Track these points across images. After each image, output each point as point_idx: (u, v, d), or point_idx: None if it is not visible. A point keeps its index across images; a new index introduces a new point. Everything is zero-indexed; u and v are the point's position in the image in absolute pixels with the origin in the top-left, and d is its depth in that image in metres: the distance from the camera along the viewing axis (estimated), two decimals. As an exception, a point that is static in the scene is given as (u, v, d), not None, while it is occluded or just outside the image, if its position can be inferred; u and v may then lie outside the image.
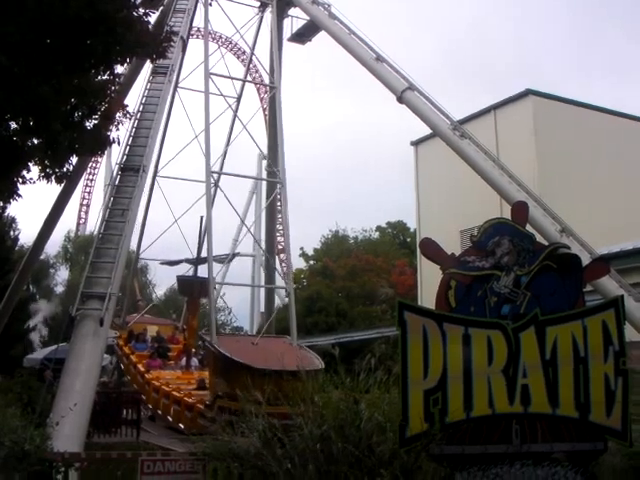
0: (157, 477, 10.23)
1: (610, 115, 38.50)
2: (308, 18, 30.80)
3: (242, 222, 37.29)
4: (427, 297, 32.20)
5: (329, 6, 28.42)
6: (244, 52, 52.82)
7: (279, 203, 37.09)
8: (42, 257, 46.55)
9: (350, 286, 55.25)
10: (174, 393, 23.72)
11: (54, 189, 22.27)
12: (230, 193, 29.55)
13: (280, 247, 58.17)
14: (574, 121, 36.12)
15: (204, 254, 30.11)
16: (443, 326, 8.84)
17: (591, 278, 11.20)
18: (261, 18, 32.14)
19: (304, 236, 65.68)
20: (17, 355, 34.01)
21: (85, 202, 72.03)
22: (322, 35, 30.50)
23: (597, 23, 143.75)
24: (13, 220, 43.74)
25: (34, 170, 16.54)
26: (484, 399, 8.76)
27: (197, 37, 38.15)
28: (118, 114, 17.68)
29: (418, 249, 22.00)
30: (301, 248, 66.67)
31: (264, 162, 37.30)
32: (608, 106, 39.73)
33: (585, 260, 12.04)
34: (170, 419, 23.28)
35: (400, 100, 24.82)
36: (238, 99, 32.61)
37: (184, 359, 27.85)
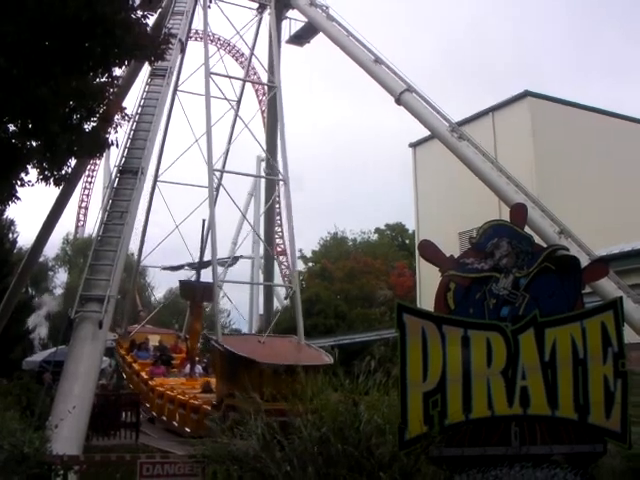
0: (156, 480, 10.23)
1: (608, 116, 38.56)
2: (306, 20, 30.83)
3: (245, 220, 37.05)
4: (426, 299, 32.24)
5: (327, 8, 28.47)
6: (242, 54, 52.85)
7: (278, 206, 37.18)
8: (41, 260, 46.51)
9: (349, 288, 55.22)
10: (179, 397, 23.45)
11: (53, 191, 22.23)
12: (230, 194, 29.64)
13: (280, 249, 58.22)
14: (572, 122, 36.16)
15: (206, 258, 30.21)
16: (442, 328, 8.84)
17: (590, 280, 11.23)
18: (260, 19, 32.17)
19: (302, 238, 65.86)
20: (16, 358, 33.96)
21: (84, 204, 71.98)
22: (320, 37, 30.53)
23: (595, 24, 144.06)
24: (12, 222, 43.67)
25: (33, 172, 16.56)
26: (483, 401, 8.75)
27: (195, 39, 38.19)
28: (116, 116, 17.70)
29: (417, 251, 22.16)
30: (300, 250, 66.63)
31: (262, 164, 37.24)
32: (606, 107, 39.85)
33: (584, 261, 12.05)
34: (176, 424, 22.90)
35: (398, 102, 24.84)
36: (239, 100, 32.67)
37: (188, 366, 27.63)
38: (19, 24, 13.41)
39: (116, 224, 19.45)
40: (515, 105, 37.21)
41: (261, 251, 44.05)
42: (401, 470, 8.52)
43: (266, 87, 37.41)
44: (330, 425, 8.95)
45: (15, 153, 15.66)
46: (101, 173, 67.71)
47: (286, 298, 57.55)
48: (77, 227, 71.25)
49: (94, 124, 16.90)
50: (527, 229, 9.92)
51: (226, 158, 31.61)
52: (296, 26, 32.63)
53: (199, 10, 29.66)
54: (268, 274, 37.72)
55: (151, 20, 19.61)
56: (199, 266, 30.21)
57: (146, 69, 24.15)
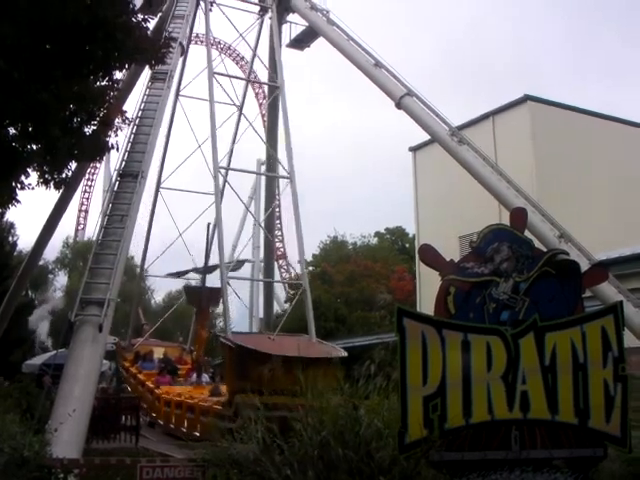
0: (156, 483, 10.23)
1: (608, 120, 38.61)
2: (307, 24, 30.88)
3: (251, 214, 36.58)
4: (426, 303, 32.26)
5: (327, 12, 28.55)
6: (243, 58, 52.91)
7: (277, 210, 37.19)
8: (41, 263, 46.51)
9: (349, 292, 55.19)
10: (187, 400, 23.25)
11: (53, 195, 22.24)
12: (230, 200, 29.74)
13: (280, 253, 58.19)
14: (572, 126, 36.20)
15: (210, 263, 30.18)
16: (442, 332, 8.84)
17: (590, 284, 11.22)
18: (261, 22, 32.24)
19: (305, 239, 65.52)
20: (16, 361, 33.94)
21: (84, 208, 72.08)
22: (321, 41, 30.58)
23: (592, 26, 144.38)
24: (12, 226, 43.70)
25: (33, 176, 16.56)
26: (483, 405, 8.75)
27: (196, 43, 38.24)
28: (117, 120, 17.69)
29: (417, 255, 22.20)
30: (298, 261, 66.41)
31: (263, 167, 37.24)
32: (603, 110, 40.05)
33: (584, 266, 12.06)
34: (184, 429, 22.45)
35: (398, 106, 24.88)
36: (242, 101, 32.77)
37: (194, 375, 27.36)
38: (18, 26, 13.41)
39: (116, 228, 19.46)
40: (515, 109, 37.26)
41: (261, 255, 43.91)
42: (401, 474, 8.52)
43: (266, 91, 37.44)
44: (330, 429, 8.95)
45: (15, 156, 15.65)
46: (101, 177, 67.88)
47: (286, 302, 57.61)
48: (77, 230, 71.32)
49: (94, 128, 16.90)
50: (527, 233, 9.94)
51: (230, 157, 31.70)
52: (296, 30, 32.75)
53: (200, 14, 29.82)
54: (268, 277, 37.71)
55: (152, 24, 19.53)
56: (204, 271, 30.07)
57: (147, 73, 24.19)
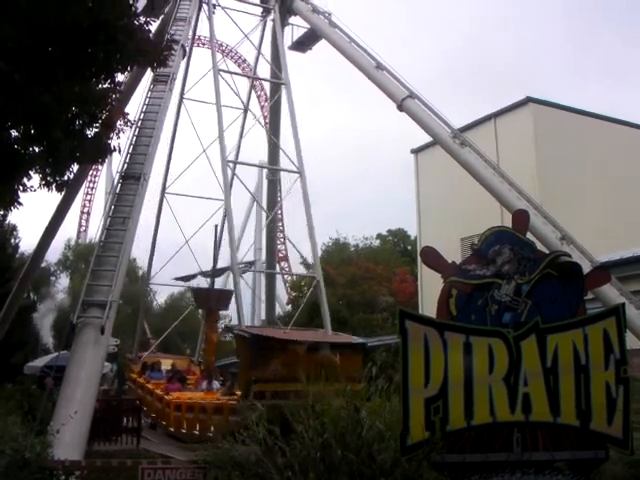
0: (158, 485, 10.23)
1: (610, 123, 38.59)
2: (309, 27, 30.91)
3: (262, 208, 36.09)
4: (428, 305, 32.22)
5: (329, 14, 28.56)
6: (245, 60, 53.01)
7: (280, 212, 37.22)
8: (43, 265, 46.55)
9: (351, 294, 55.09)
10: (199, 401, 22.85)
11: (55, 197, 22.28)
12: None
13: (281, 255, 58.18)
14: (574, 129, 36.19)
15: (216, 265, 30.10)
16: (444, 334, 8.84)
17: (592, 286, 11.20)
18: (264, 23, 32.33)
19: (304, 244, 65.46)
20: (18, 363, 33.97)
21: (86, 210, 72.25)
22: (322, 43, 30.58)
23: (593, 26, 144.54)
24: (14, 228, 43.80)
25: (35, 178, 16.56)
26: (485, 407, 8.75)
27: (198, 45, 38.30)
28: (119, 122, 17.71)
29: (419, 257, 21.99)
30: (301, 256, 66.58)
31: (264, 171, 37.30)
32: (604, 110, 39.94)
33: (586, 268, 12.03)
34: (197, 432, 21.59)
35: (400, 108, 24.87)
36: (247, 97, 32.91)
37: (205, 382, 26.69)
38: (19, 28, 13.42)
39: (118, 230, 19.45)
40: (517, 111, 37.25)
41: (263, 256, 43.92)
42: (403, 476, 8.53)
43: (268, 93, 37.48)
44: (332, 431, 8.95)
45: (17, 159, 15.67)
46: (103, 179, 68.02)
47: (288, 304, 57.59)
48: (79, 232, 71.45)
49: (96, 130, 16.92)
50: (529, 235, 9.94)
51: (238, 152, 31.85)
52: (298, 32, 32.79)
53: (202, 16, 29.93)
54: (270, 278, 37.78)
55: (154, 26, 19.56)
56: (213, 274, 29.80)
57: (149, 75, 24.21)
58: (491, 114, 38.50)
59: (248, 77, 34.78)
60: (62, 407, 15.29)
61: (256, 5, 32.41)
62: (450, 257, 9.49)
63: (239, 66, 55.68)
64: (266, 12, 32.00)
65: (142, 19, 16.50)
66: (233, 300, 26.62)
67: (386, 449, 8.77)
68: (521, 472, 8.67)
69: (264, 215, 39.21)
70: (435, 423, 8.54)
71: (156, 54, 17.13)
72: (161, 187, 32.51)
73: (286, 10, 30.91)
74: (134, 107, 23.85)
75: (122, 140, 18.52)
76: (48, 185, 16.68)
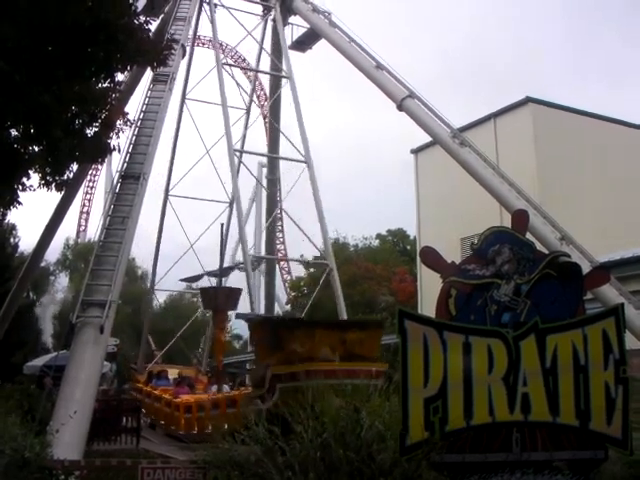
0: (157, 485, 10.24)
1: (610, 123, 38.59)
2: (308, 26, 30.95)
3: (276, 199, 35.63)
4: (427, 305, 32.21)
5: (329, 14, 28.62)
6: (244, 60, 53.01)
7: (279, 212, 37.23)
8: (42, 264, 46.53)
9: (350, 294, 55.01)
10: (211, 397, 22.27)
11: (54, 196, 22.28)
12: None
13: (281, 254, 58.10)
14: (574, 129, 36.18)
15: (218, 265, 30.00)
16: (443, 334, 8.83)
17: (591, 286, 11.20)
18: (265, 22, 32.40)
19: (304, 244, 65.36)
20: (17, 362, 33.96)
21: (85, 209, 72.26)
22: (322, 43, 30.63)
23: (593, 26, 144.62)
24: (13, 227, 43.79)
25: (34, 177, 16.59)
26: (484, 407, 8.74)
27: (198, 45, 38.34)
28: (118, 122, 17.73)
29: (418, 257, 22.01)
30: (301, 255, 66.46)
31: (264, 170, 37.38)
32: (603, 110, 40.00)
33: (585, 268, 12.03)
34: (210, 429, 20.12)
35: (400, 108, 24.90)
36: (251, 90, 32.99)
37: (214, 387, 25.95)
38: (19, 27, 13.43)
39: (118, 229, 19.46)
40: (517, 111, 37.24)
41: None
42: (402, 476, 8.52)
43: (268, 93, 37.51)
44: (331, 431, 8.95)
45: (17, 158, 15.69)
46: (103, 178, 68.08)
47: (287, 304, 57.60)
48: (79, 232, 71.41)
49: (96, 129, 16.93)
50: (529, 235, 9.94)
51: (244, 142, 31.91)
52: (298, 32, 32.84)
53: (203, 15, 30.07)
54: (269, 279, 37.80)
55: (153, 26, 19.61)
56: (220, 273, 29.55)
57: (148, 75, 24.23)
58: (491, 114, 38.50)
59: (251, 70, 34.78)
60: (61, 407, 15.31)
61: (257, 3, 32.49)
62: (450, 257, 9.49)
63: (239, 64, 55.67)
64: (267, 10, 32.08)
65: (142, 18, 16.55)
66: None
67: (385, 449, 8.76)
68: (520, 472, 8.66)
69: (264, 215, 39.17)
70: (434, 423, 8.53)
71: (156, 53, 17.15)
72: (164, 189, 32.63)
73: (286, 9, 31.01)
74: (134, 107, 23.92)
75: (122, 139, 18.59)
76: (48, 184, 16.71)
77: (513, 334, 8.93)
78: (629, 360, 9.28)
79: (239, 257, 46.74)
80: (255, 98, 51.89)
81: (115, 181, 21.92)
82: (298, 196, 30.25)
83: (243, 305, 28.27)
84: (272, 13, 31.57)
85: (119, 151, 18.86)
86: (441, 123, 24.39)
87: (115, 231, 19.48)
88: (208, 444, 10.89)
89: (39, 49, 14.27)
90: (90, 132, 16.87)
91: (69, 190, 26.16)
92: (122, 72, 17.34)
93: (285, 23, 31.89)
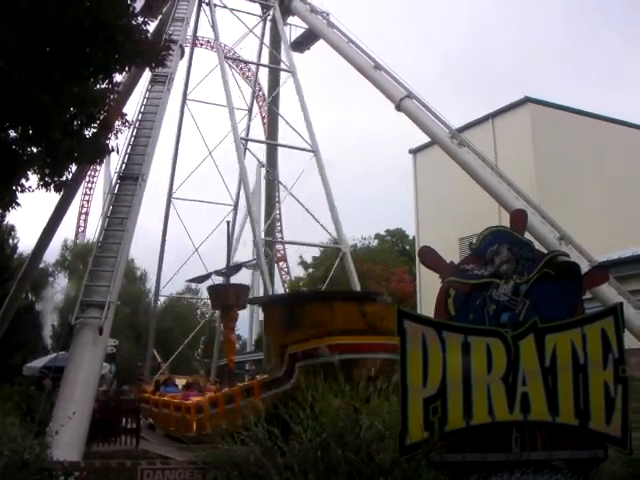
0: (157, 486, 10.24)
1: (608, 122, 38.64)
2: (307, 27, 30.97)
3: (286, 187, 35.49)
4: (426, 305, 32.25)
5: (327, 15, 28.66)
6: (242, 60, 53.06)
7: (278, 213, 37.26)
8: (41, 265, 46.53)
9: (350, 294, 54.94)
10: (225, 390, 21.39)
11: (53, 197, 22.30)
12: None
13: (280, 255, 58.10)
14: (572, 128, 36.24)
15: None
16: (442, 334, 8.82)
17: (590, 286, 11.21)
18: (265, 20, 32.45)
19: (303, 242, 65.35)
20: (16, 363, 33.94)
21: (84, 210, 72.17)
22: (321, 43, 30.66)
23: (593, 27, 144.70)
24: (12, 228, 43.81)
25: (33, 178, 16.61)
26: (484, 407, 8.74)
27: (196, 45, 38.33)
28: (117, 123, 17.75)
29: (417, 257, 22.01)
30: (300, 256, 66.53)
31: (263, 171, 37.38)
32: (603, 111, 40.08)
33: (584, 267, 12.02)
34: (225, 425, 19.63)
35: (398, 108, 24.93)
36: (254, 80, 33.08)
37: (225, 390, 24.32)
38: (18, 28, 13.44)
39: (116, 230, 19.45)
40: (515, 111, 37.29)
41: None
42: (402, 476, 8.52)
43: (266, 94, 37.55)
44: (331, 431, 8.95)
45: (16, 159, 15.69)
46: (101, 179, 68.01)
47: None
48: (77, 233, 71.35)
49: (95, 130, 16.94)
50: (527, 235, 9.93)
51: (249, 130, 32.00)
52: (297, 33, 32.88)
53: (202, 15, 30.17)
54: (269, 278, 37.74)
55: (152, 26, 19.62)
56: (227, 271, 29.22)
57: (147, 75, 24.25)
58: (489, 114, 38.56)
59: (254, 64, 34.81)
60: (61, 408, 15.30)
61: (256, 2, 32.55)
62: (449, 257, 9.49)
63: (237, 66, 55.69)
64: (266, 9, 32.10)
65: (140, 19, 16.52)
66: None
67: (385, 449, 8.76)
68: (520, 471, 8.66)
69: (262, 216, 39.11)
70: (434, 423, 8.52)
71: (154, 54, 17.15)
72: (167, 192, 32.67)
73: (284, 10, 31.00)
74: (132, 107, 23.94)
75: (120, 140, 18.61)
76: (46, 185, 16.72)
77: (512, 334, 8.92)
78: (628, 359, 9.29)
79: (238, 258, 46.87)
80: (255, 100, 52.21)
81: (114, 182, 21.91)
82: (300, 190, 30.26)
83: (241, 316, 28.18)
84: (271, 12, 31.58)
85: (118, 152, 18.90)
86: (439, 123, 24.42)
87: (114, 232, 19.47)
88: (207, 445, 10.90)
89: (38, 49, 14.27)
90: (89, 133, 16.89)
91: (68, 191, 26.19)
92: (120, 73, 17.34)
93: (283, 24, 31.90)
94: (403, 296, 53.50)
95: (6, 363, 34.02)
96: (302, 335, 15.09)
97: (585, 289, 9.99)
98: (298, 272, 66.36)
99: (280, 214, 41.86)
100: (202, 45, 42.51)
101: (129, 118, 19.15)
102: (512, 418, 8.78)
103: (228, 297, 26.59)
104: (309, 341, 14.60)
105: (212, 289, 28.73)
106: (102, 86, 16.63)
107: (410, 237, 64.78)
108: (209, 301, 46.69)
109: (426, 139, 30.73)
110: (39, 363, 29.10)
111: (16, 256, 44.28)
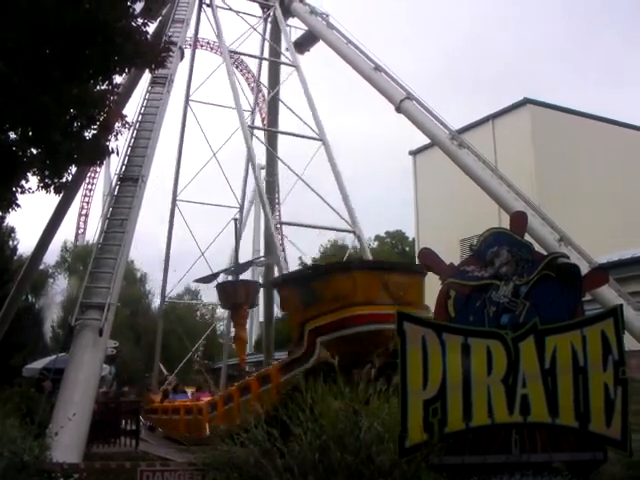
0: (156, 487, 10.24)
1: (608, 124, 38.68)
2: (306, 28, 30.97)
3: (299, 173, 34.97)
4: (426, 306, 32.16)
5: (327, 16, 28.66)
6: (242, 61, 53.13)
7: (278, 214, 37.25)
8: (41, 267, 46.53)
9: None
10: (238, 382, 20.33)
11: (53, 199, 22.31)
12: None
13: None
14: (572, 129, 36.29)
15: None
16: (442, 336, 8.82)
17: (590, 287, 11.21)
18: (266, 20, 32.46)
19: (303, 245, 65.48)
20: (16, 365, 33.94)
21: (84, 212, 72.11)
22: (320, 45, 30.67)
23: (593, 27, 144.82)
24: (12, 230, 43.83)
25: (33, 180, 16.62)
26: (483, 409, 8.73)
27: (196, 47, 38.35)
28: (117, 124, 17.76)
29: (417, 259, 22.09)
30: (299, 258, 66.46)
31: (263, 172, 37.39)
32: (603, 111, 40.13)
33: (584, 269, 12.01)
34: (239, 419, 16.71)
35: (398, 110, 24.94)
36: (257, 71, 33.20)
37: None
38: (18, 29, 13.45)
39: (116, 232, 19.44)
40: (515, 112, 37.34)
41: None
42: (401, 477, 8.51)
43: (266, 94, 37.55)
44: (330, 433, 8.94)
45: (15, 160, 15.70)
46: (101, 181, 68.01)
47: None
48: (77, 235, 71.30)
49: (95, 132, 16.96)
50: (527, 237, 9.93)
51: (253, 117, 31.98)
52: (296, 34, 32.88)
53: (203, 17, 30.22)
54: (268, 277, 37.78)
55: (151, 28, 19.65)
56: (236, 269, 28.83)
57: (146, 77, 24.27)
58: (489, 115, 38.61)
59: (257, 58, 34.79)
60: (61, 409, 15.30)
61: (256, 1, 32.59)
62: (449, 259, 9.48)
63: (237, 67, 55.74)
64: (267, 8, 32.12)
65: (140, 21, 16.53)
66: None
67: (385, 451, 8.75)
68: (520, 473, 8.65)
69: (262, 216, 39.17)
70: (433, 425, 8.51)
71: (154, 56, 17.17)
72: (172, 195, 32.65)
73: (284, 11, 31.00)
74: (132, 109, 23.94)
75: (120, 142, 18.61)
76: (46, 187, 16.73)
77: (512, 335, 8.91)
78: (628, 361, 9.27)
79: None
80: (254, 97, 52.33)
81: (114, 184, 21.92)
82: (294, 194, 30.26)
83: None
84: (271, 12, 31.60)
85: (117, 154, 18.89)
86: (439, 125, 24.42)
87: (114, 234, 19.46)
88: (207, 446, 10.90)
89: (38, 51, 14.28)
90: (88, 135, 16.90)
91: (68, 193, 26.20)
92: (120, 74, 17.36)
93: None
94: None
95: (6, 364, 34.02)
96: (323, 309, 14.54)
97: (585, 291, 9.98)
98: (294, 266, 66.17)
99: (280, 216, 41.76)
100: (202, 47, 42.44)
101: (129, 120, 19.18)
102: (512, 420, 8.77)
103: (237, 294, 26.08)
104: (331, 313, 14.13)
105: (221, 287, 28.09)
106: (102, 87, 16.65)
107: (410, 239, 64.86)
108: (209, 302, 46.74)
109: (426, 140, 30.70)
110: (39, 364, 29.12)
111: (16, 257, 44.29)
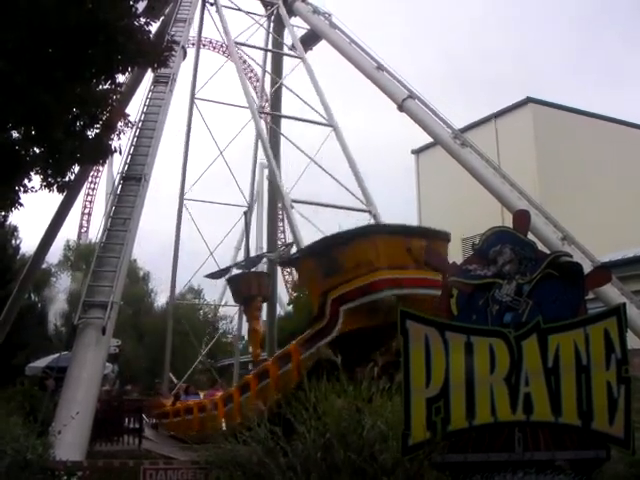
0: (159, 485, 10.26)
1: (610, 122, 38.66)
2: (309, 27, 30.96)
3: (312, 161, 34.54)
4: (429, 305, 32.14)
5: (330, 15, 28.65)
6: (245, 61, 53.08)
7: (280, 214, 37.27)
8: (44, 266, 46.57)
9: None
10: (254, 372, 19.53)
11: (56, 198, 22.32)
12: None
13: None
14: (574, 129, 36.27)
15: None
16: (445, 334, 8.82)
17: (593, 286, 11.19)
18: (269, 18, 32.48)
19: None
20: (19, 364, 33.97)
21: (87, 211, 72.17)
22: (323, 44, 30.63)
23: (594, 27, 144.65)
24: (15, 229, 43.91)
25: (36, 179, 16.63)
26: (486, 407, 8.73)
27: (199, 44, 38.35)
28: (119, 123, 17.78)
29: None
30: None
31: (265, 171, 37.37)
32: (605, 110, 40.13)
33: (587, 268, 12.01)
34: (262, 407, 17.12)
35: (401, 109, 24.91)
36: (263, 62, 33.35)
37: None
38: (20, 29, 13.46)
39: (119, 231, 19.46)
40: (517, 111, 37.33)
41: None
42: (404, 476, 8.52)
43: (268, 92, 37.54)
44: (333, 431, 8.95)
45: (18, 159, 15.71)
46: (104, 180, 68.02)
47: (289, 304, 57.49)
48: (80, 233, 71.34)
49: (97, 131, 16.98)
50: (530, 235, 9.93)
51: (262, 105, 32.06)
52: (299, 34, 32.85)
53: (206, 16, 30.26)
54: (272, 277, 37.75)
55: (154, 27, 19.62)
56: (247, 263, 28.07)
57: (149, 76, 24.28)
58: (491, 114, 38.59)
59: (262, 49, 34.80)
60: (63, 408, 15.30)
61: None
62: (451, 257, 9.50)
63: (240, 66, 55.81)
64: (270, 6, 32.13)
65: (142, 20, 16.54)
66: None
67: (388, 449, 8.75)
68: (523, 472, 8.65)
69: (265, 214, 39.18)
70: (436, 423, 8.52)
71: (156, 55, 17.18)
72: (179, 195, 32.67)
73: (287, 10, 30.98)
74: (135, 108, 23.96)
75: (123, 141, 18.63)
76: (49, 186, 16.74)
77: (515, 334, 8.91)
78: (631, 360, 9.26)
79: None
80: (256, 97, 52.45)
81: (116, 183, 21.94)
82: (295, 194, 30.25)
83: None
84: (275, 11, 31.62)
85: (120, 153, 18.95)
86: (442, 123, 24.40)
87: (116, 232, 19.49)
88: (210, 444, 10.91)
89: (40, 50, 14.29)
90: (91, 134, 16.92)
91: (70, 192, 26.20)
92: (123, 73, 17.34)
93: (284, 24, 31.92)
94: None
95: (9, 363, 34.07)
96: (345, 277, 14.08)
97: (588, 289, 9.96)
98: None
99: (282, 214, 41.77)
100: (205, 46, 42.44)
101: (132, 119, 19.21)
102: (515, 418, 8.77)
103: (250, 286, 25.57)
104: (354, 280, 13.74)
105: (232, 280, 27.60)
106: (104, 87, 16.67)
107: (412, 237, 64.68)
108: (211, 303, 46.65)
109: (429, 139, 30.68)
110: (42, 363, 29.19)
111: (19, 257, 44.34)
